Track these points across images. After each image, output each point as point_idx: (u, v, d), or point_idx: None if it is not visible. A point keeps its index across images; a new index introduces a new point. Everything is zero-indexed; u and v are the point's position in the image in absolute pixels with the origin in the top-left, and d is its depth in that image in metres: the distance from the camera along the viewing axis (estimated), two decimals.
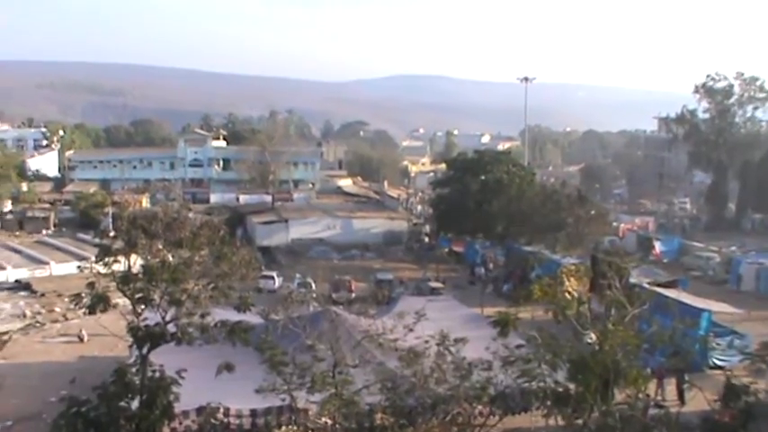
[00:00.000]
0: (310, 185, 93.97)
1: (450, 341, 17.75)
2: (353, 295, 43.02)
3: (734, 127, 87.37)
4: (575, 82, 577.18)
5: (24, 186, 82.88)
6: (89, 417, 14.34)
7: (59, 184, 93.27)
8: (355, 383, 17.33)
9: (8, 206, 75.92)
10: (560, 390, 16.62)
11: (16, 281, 50.67)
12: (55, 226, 72.66)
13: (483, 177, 62.65)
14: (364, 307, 24.78)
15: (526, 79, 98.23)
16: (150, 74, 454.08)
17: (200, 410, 18.48)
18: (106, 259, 16.40)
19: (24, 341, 37.70)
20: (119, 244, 16.97)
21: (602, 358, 16.39)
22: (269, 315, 22.60)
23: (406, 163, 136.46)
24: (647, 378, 18.11)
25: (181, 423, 18.50)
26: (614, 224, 70.23)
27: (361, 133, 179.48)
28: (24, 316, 42.54)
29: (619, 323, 17.57)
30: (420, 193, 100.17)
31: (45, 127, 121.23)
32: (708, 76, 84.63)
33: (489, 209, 59.82)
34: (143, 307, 15.99)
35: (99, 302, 15.63)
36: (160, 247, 18.46)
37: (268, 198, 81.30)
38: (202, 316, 15.77)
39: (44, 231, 70.02)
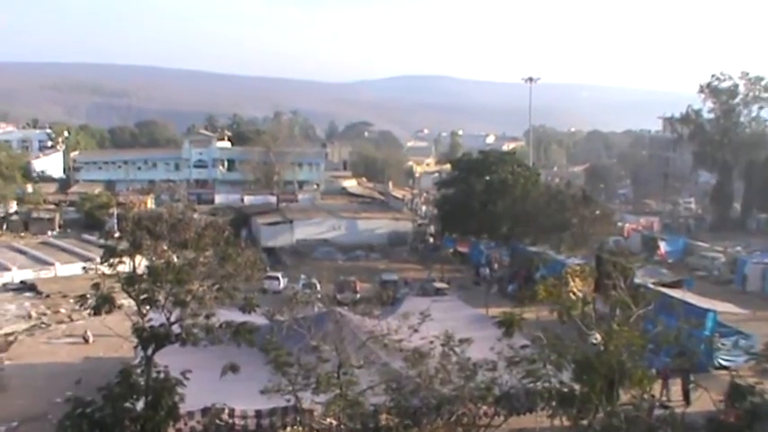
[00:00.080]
0: (315, 186, 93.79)
1: (454, 341, 17.79)
2: (358, 296, 43.05)
3: (739, 127, 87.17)
4: (579, 82, 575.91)
5: (29, 187, 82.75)
6: (94, 418, 14.36)
7: (64, 185, 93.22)
8: (360, 384, 17.37)
9: (13, 207, 75.89)
10: (565, 390, 16.64)
11: (21, 282, 50.77)
12: (60, 227, 72.66)
13: (488, 178, 62.53)
14: (369, 307, 24.90)
15: (530, 79, 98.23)
16: (153, 75, 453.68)
17: (205, 411, 18.49)
18: (111, 260, 16.38)
19: (30, 342, 37.81)
20: (124, 245, 16.93)
21: (607, 359, 16.38)
22: (274, 316, 22.70)
23: (410, 163, 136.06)
24: (653, 378, 18.11)
25: (186, 424, 18.57)
26: (619, 224, 70.09)
27: (366, 134, 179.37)
28: (30, 317, 42.62)
29: (624, 323, 17.57)
30: (425, 194, 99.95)
31: (50, 128, 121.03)
32: (713, 75, 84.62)
33: (494, 209, 59.82)
34: (148, 308, 16.00)
35: (104, 303, 15.64)
36: (165, 247, 18.46)
37: (273, 199, 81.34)
38: (207, 317, 15.77)
39: (49, 232, 70.07)
